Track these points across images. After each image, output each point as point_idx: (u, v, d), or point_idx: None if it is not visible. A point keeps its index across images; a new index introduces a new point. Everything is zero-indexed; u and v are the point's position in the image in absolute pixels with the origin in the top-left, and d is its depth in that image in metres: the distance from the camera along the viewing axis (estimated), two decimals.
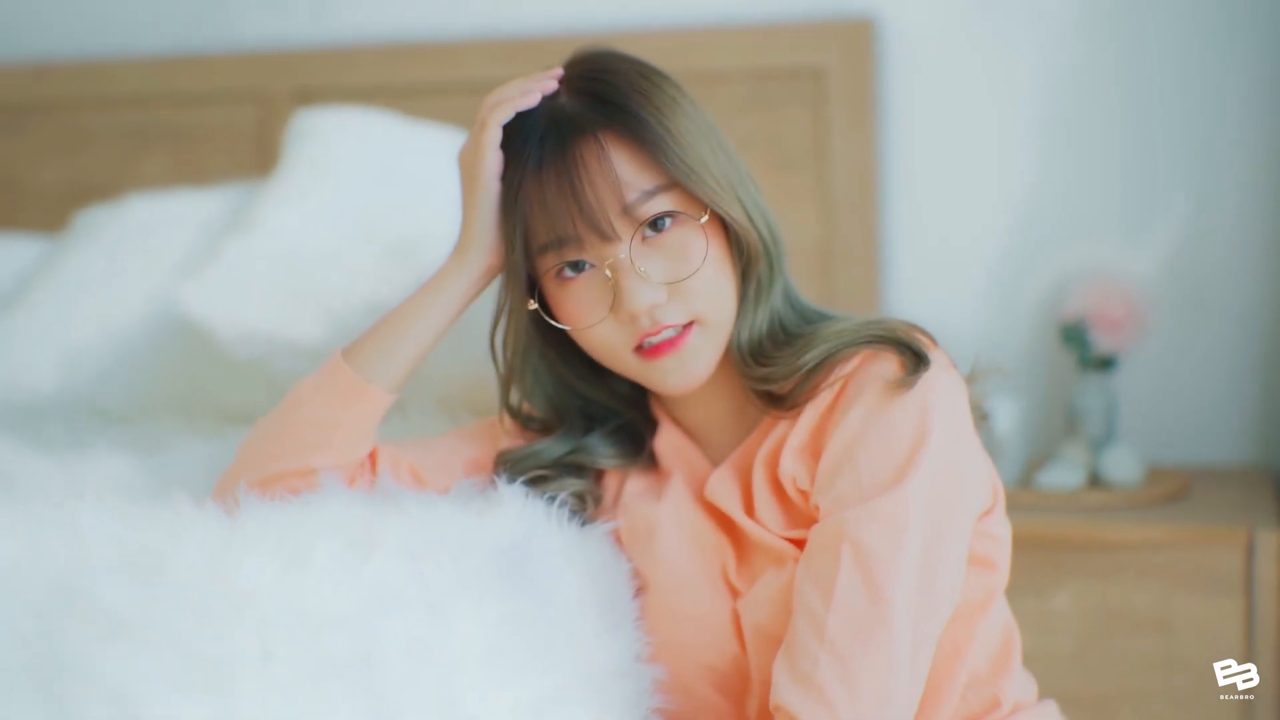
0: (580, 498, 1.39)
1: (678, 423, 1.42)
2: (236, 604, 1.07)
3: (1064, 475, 2.17)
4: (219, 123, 2.68)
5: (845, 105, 2.36)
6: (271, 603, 1.08)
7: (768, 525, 1.30)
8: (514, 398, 1.43)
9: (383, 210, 2.05)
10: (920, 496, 1.21)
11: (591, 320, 1.29)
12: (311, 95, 2.56)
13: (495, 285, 1.39)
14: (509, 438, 1.44)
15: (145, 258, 2.21)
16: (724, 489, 1.34)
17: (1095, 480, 2.19)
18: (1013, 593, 1.39)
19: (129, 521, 1.19)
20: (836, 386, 1.28)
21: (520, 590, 1.23)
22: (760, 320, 1.33)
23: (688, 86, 1.35)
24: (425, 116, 2.30)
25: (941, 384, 1.25)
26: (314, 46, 2.65)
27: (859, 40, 2.35)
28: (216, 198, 2.31)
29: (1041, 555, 2.01)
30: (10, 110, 2.80)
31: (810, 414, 1.29)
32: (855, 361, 1.28)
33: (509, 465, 1.39)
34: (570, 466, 1.41)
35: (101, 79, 2.74)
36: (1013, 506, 1.40)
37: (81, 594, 1.06)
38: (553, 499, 1.35)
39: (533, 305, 1.31)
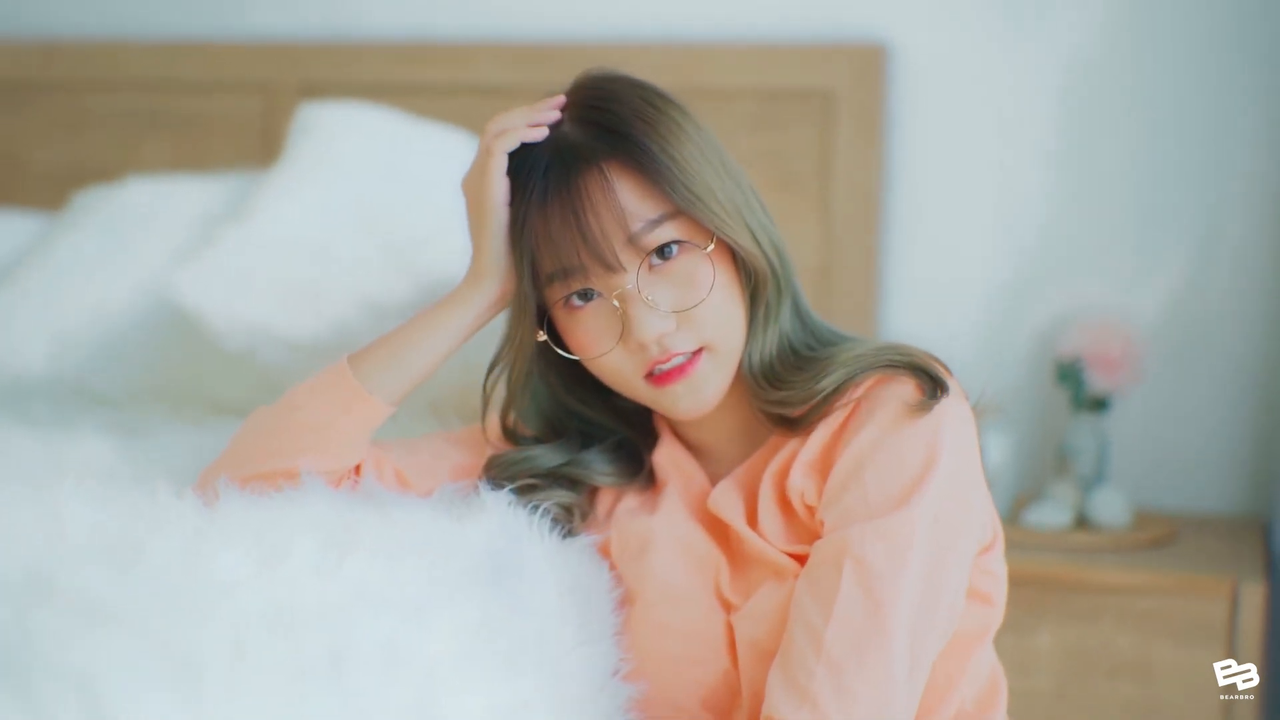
0: (567, 510, 1.38)
1: (680, 437, 1.41)
2: (211, 597, 1.07)
3: (1051, 514, 2.16)
4: (223, 112, 2.67)
5: (853, 128, 2.36)
6: (246, 598, 1.07)
7: (770, 539, 1.29)
8: (510, 418, 1.42)
9: (383, 208, 2.04)
10: (926, 518, 1.21)
11: (601, 349, 1.28)
12: (318, 89, 2.55)
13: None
14: (493, 450, 1.43)
15: (141, 242, 2.20)
16: (728, 501, 1.34)
17: (1082, 521, 2.18)
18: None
19: (107, 508, 1.18)
20: (850, 405, 1.28)
21: (498, 597, 1.22)
22: (769, 342, 1.32)
23: (695, 103, 1.35)
24: (431, 116, 2.29)
25: (954, 412, 1.25)
26: (323, 41, 2.64)
27: (870, 64, 2.35)
28: (216, 186, 2.30)
29: (1024, 593, 1.99)
30: (15, 88, 2.79)
31: (823, 431, 1.29)
32: (869, 382, 1.28)
33: (500, 469, 1.38)
34: (562, 478, 1.40)
35: (107, 61, 2.73)
36: None
37: (55, 580, 1.05)
38: (536, 508, 1.34)
39: (542, 337, 1.31)
